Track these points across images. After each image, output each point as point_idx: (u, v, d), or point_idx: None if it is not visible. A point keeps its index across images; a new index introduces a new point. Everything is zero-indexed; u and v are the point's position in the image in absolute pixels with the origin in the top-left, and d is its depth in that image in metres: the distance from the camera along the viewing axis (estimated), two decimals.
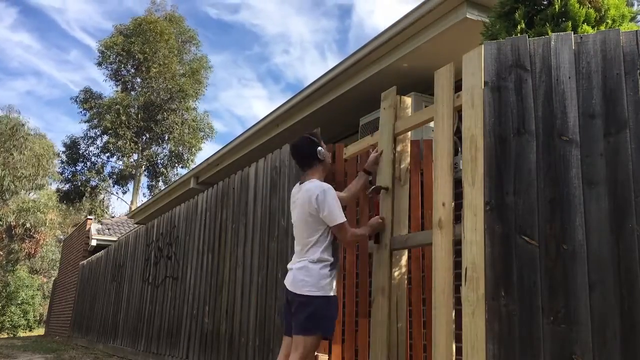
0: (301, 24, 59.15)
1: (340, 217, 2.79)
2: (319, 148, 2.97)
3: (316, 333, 2.70)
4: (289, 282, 2.84)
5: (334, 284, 2.83)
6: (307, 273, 2.74)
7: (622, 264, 2.14)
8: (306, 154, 2.97)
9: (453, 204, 2.66)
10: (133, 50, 23.90)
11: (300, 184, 3.00)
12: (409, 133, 3.32)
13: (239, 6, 55.21)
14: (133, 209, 17.02)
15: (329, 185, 2.88)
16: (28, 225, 26.05)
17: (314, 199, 2.80)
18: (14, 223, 26.04)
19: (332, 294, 2.78)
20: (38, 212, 26.29)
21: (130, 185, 25.39)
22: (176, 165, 25.30)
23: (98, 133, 24.60)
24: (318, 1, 59.46)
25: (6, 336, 22.29)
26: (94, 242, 14.44)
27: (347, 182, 3.72)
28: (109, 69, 25.24)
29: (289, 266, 2.94)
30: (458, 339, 2.44)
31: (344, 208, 2.99)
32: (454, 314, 2.53)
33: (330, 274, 2.79)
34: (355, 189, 3.24)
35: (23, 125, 26.07)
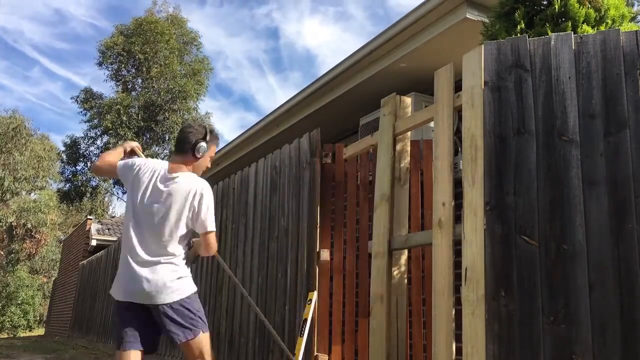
0: (235, 45, 62.05)
1: (214, 225, 2.59)
2: (201, 143, 2.61)
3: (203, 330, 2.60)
4: (152, 289, 2.46)
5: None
6: (175, 276, 2.52)
7: (622, 264, 2.14)
8: (186, 140, 2.62)
9: (453, 204, 2.66)
10: (133, 50, 23.90)
11: (168, 170, 2.61)
12: (409, 133, 3.32)
13: None
14: None
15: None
16: (29, 225, 26.05)
17: (197, 197, 2.54)
18: (15, 223, 26.04)
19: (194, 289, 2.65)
20: (39, 213, 26.28)
21: None
22: None
23: (98, 133, 24.61)
24: (246, 25, 63.50)
25: (6, 336, 22.28)
26: (94, 242, 14.43)
27: (347, 182, 3.72)
28: (110, 69, 25.24)
29: (136, 266, 2.51)
30: (458, 339, 2.44)
31: None
32: (454, 314, 2.53)
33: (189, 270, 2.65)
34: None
35: (25, 126, 26.09)
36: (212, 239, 2.60)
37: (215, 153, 8.20)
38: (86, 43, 58.39)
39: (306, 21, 59.60)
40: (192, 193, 2.55)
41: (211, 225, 2.58)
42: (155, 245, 2.52)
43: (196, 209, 2.54)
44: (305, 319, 3.33)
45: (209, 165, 2.76)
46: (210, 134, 2.67)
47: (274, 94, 66.08)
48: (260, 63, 65.77)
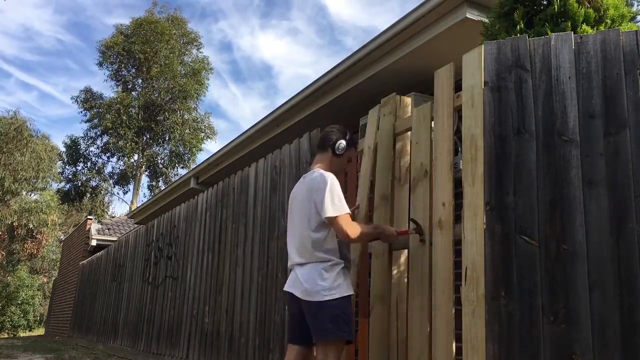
0: None
1: (332, 210, 2.51)
2: (341, 141, 2.73)
3: (339, 336, 2.48)
4: (298, 290, 2.56)
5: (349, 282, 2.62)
6: (320, 277, 2.51)
7: (622, 264, 2.14)
8: (328, 138, 2.75)
9: (453, 203, 2.66)
10: (134, 50, 23.91)
11: (304, 177, 2.78)
12: (409, 133, 3.32)
13: None
14: (133, 209, 17.02)
15: (334, 176, 2.64)
16: (31, 225, 26.06)
17: (314, 184, 2.60)
18: (16, 224, 26.04)
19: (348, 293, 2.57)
20: (40, 213, 26.29)
21: (131, 186, 25.40)
22: (177, 165, 25.30)
23: (98, 133, 24.61)
24: (204, 40, 66.72)
25: (6, 336, 22.28)
26: (94, 242, 14.44)
27: (347, 183, 3.72)
28: (110, 69, 25.24)
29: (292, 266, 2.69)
30: (458, 339, 2.44)
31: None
32: (454, 313, 2.53)
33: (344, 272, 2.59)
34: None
35: (27, 127, 26.10)
36: (337, 225, 2.54)
37: (215, 153, 8.19)
38: (53, 55, 60.20)
39: (259, 35, 61.77)
40: (313, 188, 2.62)
41: (337, 209, 2.53)
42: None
43: (316, 200, 2.58)
44: None
45: (346, 168, 2.85)
46: (350, 136, 2.78)
47: (238, 101, 67.76)
48: (221, 73, 67.76)
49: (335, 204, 2.54)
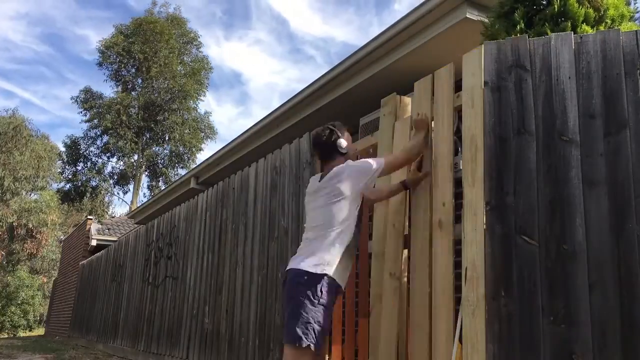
0: None
1: (373, 162, 2.65)
2: (339, 140, 2.70)
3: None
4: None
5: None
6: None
7: (622, 264, 2.14)
8: (325, 145, 2.72)
9: (453, 203, 2.66)
10: (133, 50, 23.90)
11: (320, 177, 2.73)
12: (409, 133, 3.32)
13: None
14: (133, 209, 17.03)
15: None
16: (30, 225, 26.05)
17: (339, 173, 2.59)
18: (16, 223, 26.03)
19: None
20: (40, 213, 26.28)
21: (131, 186, 25.41)
22: (176, 165, 25.31)
23: (98, 133, 24.61)
24: None
25: (6, 336, 22.29)
26: (94, 242, 14.44)
27: None
28: (110, 69, 25.24)
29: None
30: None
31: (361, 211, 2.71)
32: (454, 313, 2.53)
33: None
34: (386, 195, 3.00)
35: (26, 126, 26.08)
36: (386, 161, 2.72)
37: (215, 153, 8.17)
38: (30, 64, 61.46)
39: (225, 45, 63.60)
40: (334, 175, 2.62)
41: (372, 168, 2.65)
42: None
43: (340, 180, 2.59)
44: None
45: (357, 147, 2.94)
46: (335, 127, 2.74)
47: (214, 108, 68.24)
48: None
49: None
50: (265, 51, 67.40)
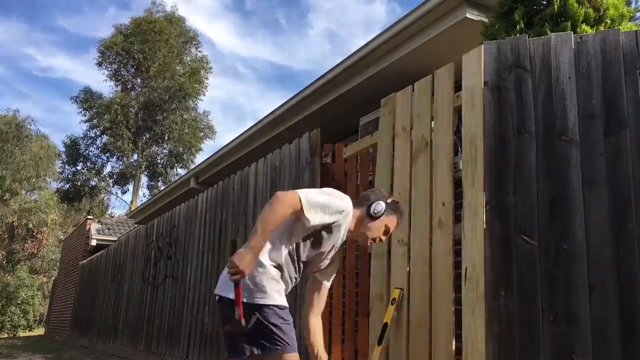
0: None
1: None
2: (380, 202, 2.20)
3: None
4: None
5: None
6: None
7: (622, 264, 2.15)
8: (366, 197, 2.28)
9: (453, 204, 2.66)
10: (132, 50, 23.89)
11: None
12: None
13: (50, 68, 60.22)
14: (133, 208, 17.02)
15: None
16: (31, 225, 26.03)
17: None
18: (16, 223, 26.01)
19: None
20: (40, 212, 26.26)
21: (130, 186, 25.40)
22: (176, 165, 25.29)
23: (98, 133, 24.60)
24: None
25: (6, 336, 22.28)
26: (94, 242, 14.43)
27: (347, 182, 3.72)
28: (109, 69, 25.22)
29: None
30: (458, 338, 2.44)
31: None
32: (454, 313, 2.53)
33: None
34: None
35: (25, 126, 26.06)
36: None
37: (215, 153, 8.15)
38: None
39: None
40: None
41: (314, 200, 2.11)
42: None
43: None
44: (386, 323, 2.72)
45: (382, 238, 2.27)
46: (393, 203, 2.27)
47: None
48: None
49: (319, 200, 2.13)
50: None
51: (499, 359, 2.21)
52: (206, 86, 25.75)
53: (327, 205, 2.11)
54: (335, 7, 59.52)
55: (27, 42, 54.14)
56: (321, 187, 3.67)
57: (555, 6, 2.77)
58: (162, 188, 16.83)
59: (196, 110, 25.56)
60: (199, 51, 26.46)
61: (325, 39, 65.37)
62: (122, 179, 25.12)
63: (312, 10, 59.36)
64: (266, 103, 65.62)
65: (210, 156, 8.08)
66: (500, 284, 2.28)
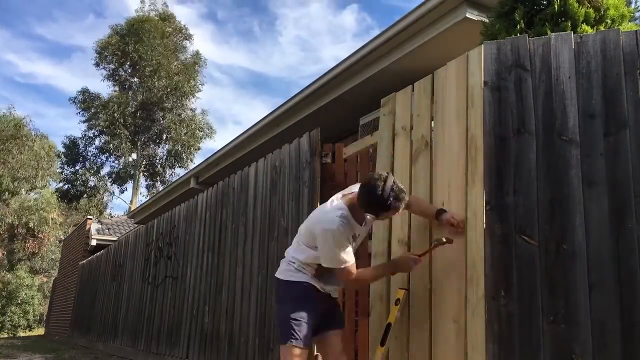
0: None
1: (334, 263, 2.43)
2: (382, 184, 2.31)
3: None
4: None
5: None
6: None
7: (622, 264, 2.15)
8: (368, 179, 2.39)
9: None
10: (128, 49, 23.89)
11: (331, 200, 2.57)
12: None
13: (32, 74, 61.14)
14: (132, 208, 17.03)
15: (340, 223, 2.38)
16: (31, 224, 25.99)
17: (316, 231, 2.46)
18: (16, 223, 25.98)
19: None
20: (41, 211, 26.23)
21: (129, 185, 25.41)
22: (175, 165, 25.29)
23: (96, 133, 24.61)
24: None
25: (6, 336, 22.28)
26: (93, 242, 14.42)
27: (347, 182, 3.72)
28: (107, 69, 25.22)
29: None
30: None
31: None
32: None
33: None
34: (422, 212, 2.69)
35: (25, 125, 26.03)
36: (339, 273, 2.49)
37: (215, 153, 8.16)
38: None
39: None
40: (316, 227, 2.49)
41: (327, 262, 2.47)
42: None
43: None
44: (390, 324, 2.68)
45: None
46: (395, 185, 2.33)
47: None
48: None
49: (340, 258, 2.42)
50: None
51: (499, 358, 2.21)
52: (202, 83, 25.71)
53: (345, 253, 2.45)
54: (303, 16, 60.13)
55: (6, 49, 54.48)
56: (321, 187, 3.68)
57: (556, 6, 2.78)
58: (161, 188, 16.83)
59: (194, 110, 25.55)
60: (192, 44, 26.27)
61: (296, 46, 65.88)
62: (120, 178, 25.13)
63: (280, 18, 59.99)
64: (242, 107, 66.04)
65: (210, 156, 8.09)
66: (500, 284, 2.28)
